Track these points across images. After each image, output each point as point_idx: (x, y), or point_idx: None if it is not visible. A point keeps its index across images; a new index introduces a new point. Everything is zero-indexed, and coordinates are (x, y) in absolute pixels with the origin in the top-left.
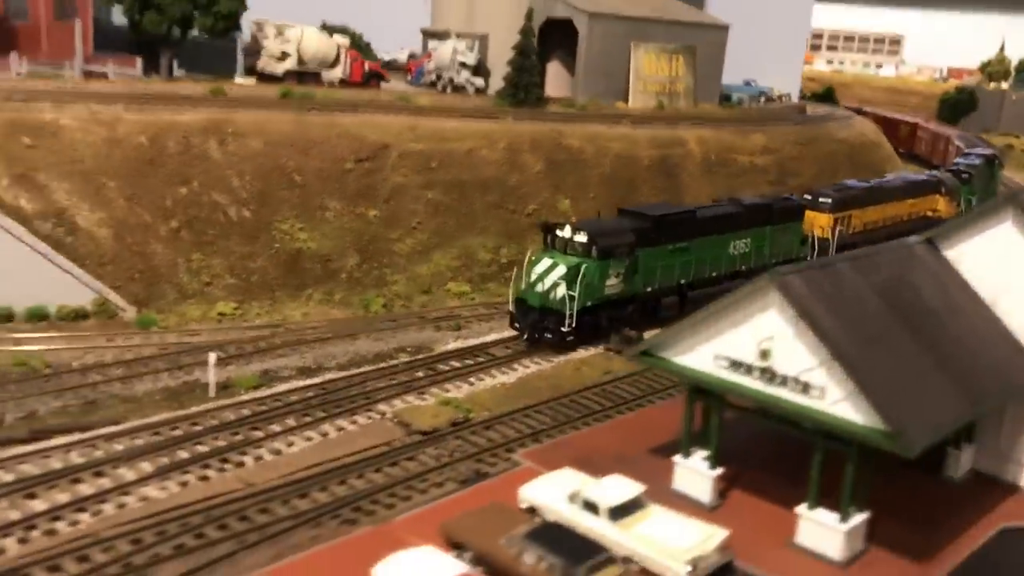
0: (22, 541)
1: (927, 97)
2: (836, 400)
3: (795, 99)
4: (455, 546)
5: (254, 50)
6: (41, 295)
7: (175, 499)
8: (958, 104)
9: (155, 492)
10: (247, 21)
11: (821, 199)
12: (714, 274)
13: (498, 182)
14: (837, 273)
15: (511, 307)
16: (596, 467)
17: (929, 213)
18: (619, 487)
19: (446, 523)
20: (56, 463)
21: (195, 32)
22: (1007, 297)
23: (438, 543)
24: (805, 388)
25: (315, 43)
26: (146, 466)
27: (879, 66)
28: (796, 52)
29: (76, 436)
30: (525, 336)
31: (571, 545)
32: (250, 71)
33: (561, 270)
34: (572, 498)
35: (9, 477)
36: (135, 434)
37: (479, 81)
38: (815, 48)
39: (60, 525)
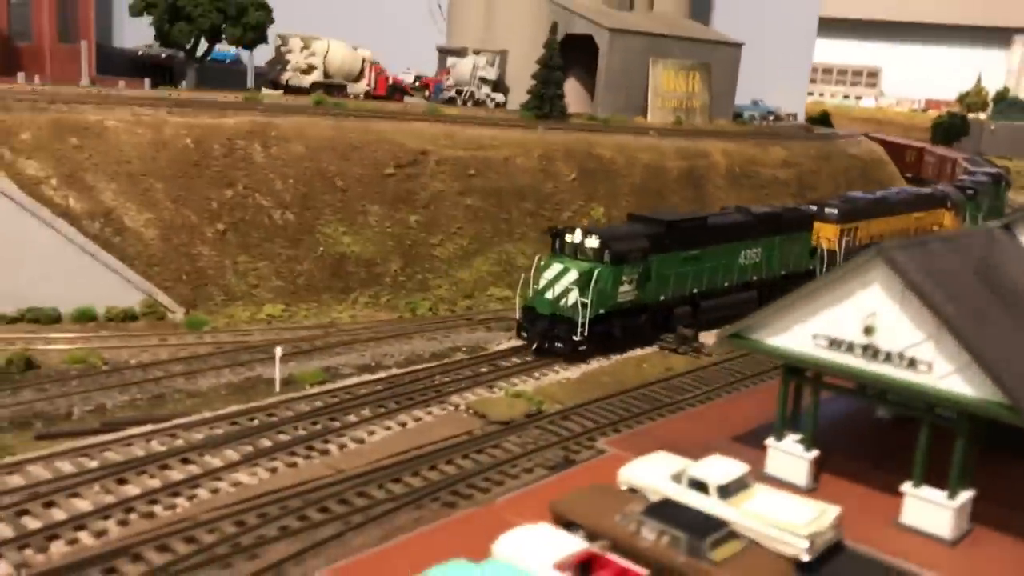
0: (122, 523)
1: (907, 128)
2: (945, 374)
3: (801, 119)
4: (565, 524)
5: (277, 64)
6: (88, 296)
7: (267, 484)
8: (951, 128)
9: (246, 478)
10: (271, 35)
11: (827, 210)
12: (726, 284)
13: (533, 190)
14: (933, 251)
15: (518, 315)
16: (683, 453)
17: (935, 227)
18: (725, 466)
19: (555, 502)
20: (139, 451)
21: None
22: None
23: (544, 522)
24: (911, 363)
25: (341, 56)
26: (231, 454)
27: (858, 97)
28: (801, 73)
29: (155, 426)
30: (534, 346)
31: (692, 520)
32: (274, 85)
33: (573, 275)
34: (676, 478)
35: (94, 464)
36: (213, 424)
37: (499, 97)
38: None
39: (157, 509)
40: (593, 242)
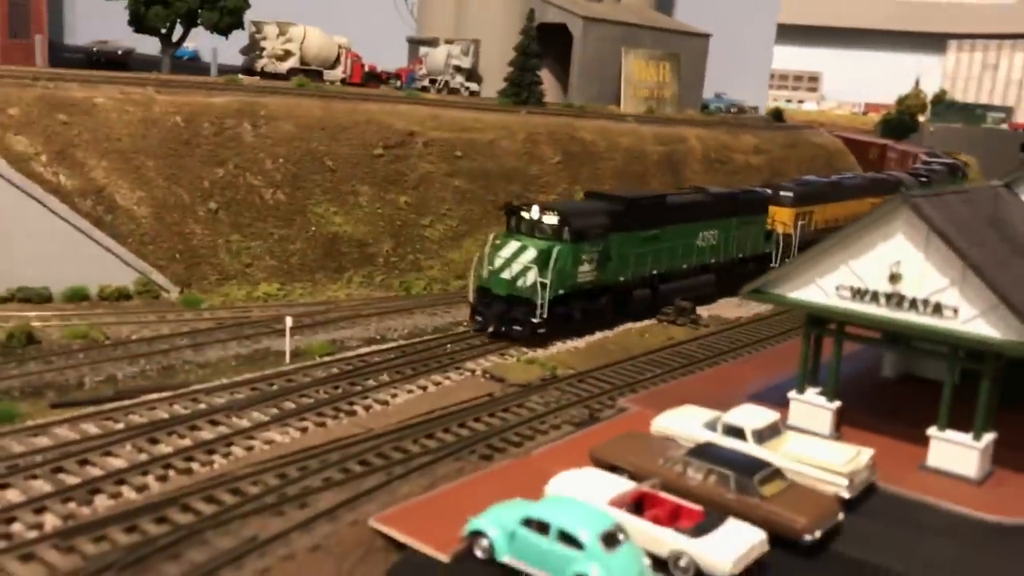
0: (161, 479)
1: (849, 130)
2: (970, 317)
3: (762, 112)
4: (609, 469)
5: (252, 51)
6: (80, 275)
7: (301, 442)
8: (901, 125)
9: (278, 436)
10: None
11: (783, 193)
12: (684, 266)
13: (520, 172)
14: (949, 202)
15: (471, 298)
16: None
17: None
18: (758, 413)
19: (596, 449)
20: (163, 414)
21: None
22: None
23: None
24: (937, 309)
25: (318, 43)
26: (258, 416)
27: (800, 101)
28: (762, 68)
29: (175, 392)
30: (490, 329)
31: (737, 459)
32: (248, 72)
33: (531, 254)
34: (710, 426)
35: (120, 426)
36: (233, 389)
37: (473, 85)
38: None
39: (195, 466)
40: (551, 219)
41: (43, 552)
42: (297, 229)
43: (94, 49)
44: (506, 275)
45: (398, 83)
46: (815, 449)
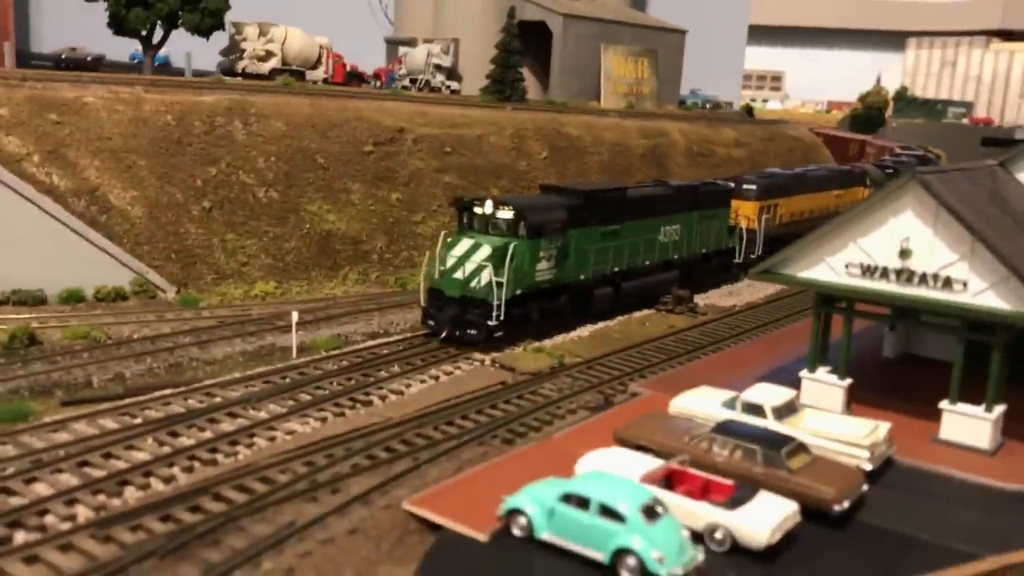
0: (187, 470)
1: (815, 126)
2: (980, 290)
3: (736, 107)
4: (635, 448)
5: (232, 52)
6: (75, 276)
7: (322, 432)
8: (870, 118)
9: (299, 427)
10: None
11: (746, 186)
12: (647, 263)
13: (508, 168)
14: (954, 179)
15: (422, 301)
16: None
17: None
18: (775, 391)
19: (619, 429)
20: (179, 408)
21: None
22: None
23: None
24: (946, 283)
25: (299, 43)
26: (275, 408)
27: (765, 100)
28: (735, 64)
29: (188, 387)
30: (444, 334)
31: (762, 434)
32: (229, 73)
33: (485, 251)
34: (728, 405)
35: (138, 420)
36: (248, 383)
37: (454, 84)
38: None
39: (219, 457)
40: (506, 214)
41: (80, 542)
42: (291, 227)
43: (63, 56)
44: (459, 275)
45: (377, 83)
46: (834, 424)
